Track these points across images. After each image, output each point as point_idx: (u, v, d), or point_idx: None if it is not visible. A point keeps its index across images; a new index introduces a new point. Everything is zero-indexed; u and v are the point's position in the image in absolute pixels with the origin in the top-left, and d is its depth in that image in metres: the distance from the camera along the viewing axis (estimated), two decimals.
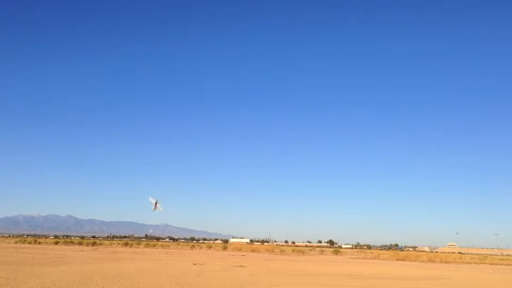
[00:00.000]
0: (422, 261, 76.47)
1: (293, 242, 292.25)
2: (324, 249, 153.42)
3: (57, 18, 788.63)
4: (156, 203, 52.60)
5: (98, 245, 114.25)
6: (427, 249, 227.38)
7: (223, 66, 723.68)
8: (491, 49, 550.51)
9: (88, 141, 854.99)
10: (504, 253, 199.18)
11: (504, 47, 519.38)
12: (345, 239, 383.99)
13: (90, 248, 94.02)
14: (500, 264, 78.23)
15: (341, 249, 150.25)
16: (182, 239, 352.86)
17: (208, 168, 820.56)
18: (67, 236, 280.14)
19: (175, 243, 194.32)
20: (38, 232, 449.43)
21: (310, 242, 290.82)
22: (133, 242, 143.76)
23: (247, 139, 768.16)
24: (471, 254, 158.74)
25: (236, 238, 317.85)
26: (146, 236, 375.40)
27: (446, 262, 76.28)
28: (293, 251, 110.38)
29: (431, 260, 79.47)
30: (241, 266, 41.59)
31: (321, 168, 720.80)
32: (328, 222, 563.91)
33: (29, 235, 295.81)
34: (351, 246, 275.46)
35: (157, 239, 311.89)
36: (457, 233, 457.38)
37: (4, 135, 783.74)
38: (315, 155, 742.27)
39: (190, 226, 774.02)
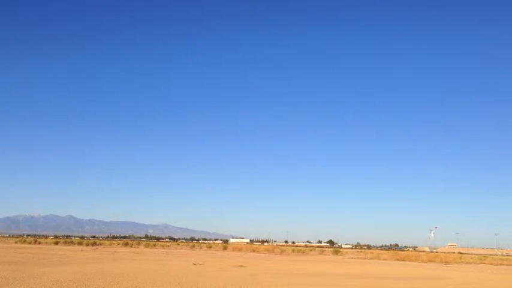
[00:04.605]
0: (422, 261, 76.43)
1: (293, 242, 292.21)
2: (324, 249, 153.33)
3: (57, 18, 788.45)
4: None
5: (98, 245, 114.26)
6: (427, 249, 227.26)
7: (223, 66, 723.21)
8: (491, 49, 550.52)
9: (88, 141, 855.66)
10: (504, 253, 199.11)
11: (504, 46, 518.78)
12: (345, 239, 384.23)
13: (90, 248, 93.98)
14: (500, 264, 78.20)
15: (341, 249, 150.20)
16: (182, 239, 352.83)
17: (208, 168, 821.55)
18: (67, 236, 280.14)
19: (175, 243, 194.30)
20: (38, 232, 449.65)
21: (310, 242, 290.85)
22: (134, 242, 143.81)
23: (247, 139, 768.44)
24: (471, 254, 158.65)
25: (236, 238, 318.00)
26: (146, 236, 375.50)
27: (446, 262, 76.25)
28: (293, 251, 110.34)
29: (431, 260, 79.42)
30: (241, 266, 41.58)
31: (321, 168, 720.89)
32: (328, 222, 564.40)
33: (29, 235, 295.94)
34: (351, 246, 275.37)
35: (157, 239, 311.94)
36: (457, 233, 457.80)
37: (4, 135, 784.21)
38: (315, 154, 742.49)
39: (190, 226, 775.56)
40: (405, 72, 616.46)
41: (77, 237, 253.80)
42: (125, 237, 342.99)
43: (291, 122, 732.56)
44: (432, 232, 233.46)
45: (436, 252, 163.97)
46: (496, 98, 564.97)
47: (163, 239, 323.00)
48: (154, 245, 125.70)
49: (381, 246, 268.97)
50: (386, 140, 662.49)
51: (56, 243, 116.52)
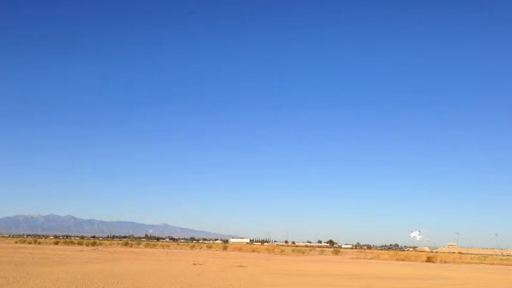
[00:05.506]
0: (422, 261, 76.43)
1: (293, 242, 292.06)
2: (324, 249, 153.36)
3: (57, 18, 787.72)
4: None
5: (97, 245, 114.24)
6: (427, 249, 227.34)
7: (223, 66, 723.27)
8: (491, 49, 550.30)
9: (88, 141, 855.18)
10: (504, 253, 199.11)
11: (504, 47, 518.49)
12: (345, 239, 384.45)
13: (90, 248, 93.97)
14: (500, 264, 78.26)
15: (341, 249, 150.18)
16: (182, 239, 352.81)
17: (208, 168, 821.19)
18: (67, 236, 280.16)
19: (175, 243, 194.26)
20: (38, 232, 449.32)
21: (310, 242, 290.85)
22: (133, 242, 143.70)
23: (247, 139, 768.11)
24: (471, 254, 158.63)
25: (236, 238, 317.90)
26: (146, 236, 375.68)
27: (446, 262, 76.27)
28: (293, 251, 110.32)
29: (431, 260, 79.42)
30: (241, 266, 41.58)
31: (321, 168, 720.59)
32: (328, 222, 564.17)
33: (29, 235, 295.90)
34: (351, 246, 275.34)
35: (157, 239, 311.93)
36: (457, 233, 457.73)
37: (4, 135, 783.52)
38: (314, 155, 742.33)
39: (190, 226, 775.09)
40: (405, 72, 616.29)
41: (77, 237, 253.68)
42: (125, 237, 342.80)
43: (290, 122, 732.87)
44: (415, 233, 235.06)
45: (436, 252, 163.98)
46: (496, 98, 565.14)
47: (163, 239, 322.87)
48: (154, 245, 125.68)
49: (380, 246, 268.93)
50: (387, 140, 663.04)
51: (56, 243, 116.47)
